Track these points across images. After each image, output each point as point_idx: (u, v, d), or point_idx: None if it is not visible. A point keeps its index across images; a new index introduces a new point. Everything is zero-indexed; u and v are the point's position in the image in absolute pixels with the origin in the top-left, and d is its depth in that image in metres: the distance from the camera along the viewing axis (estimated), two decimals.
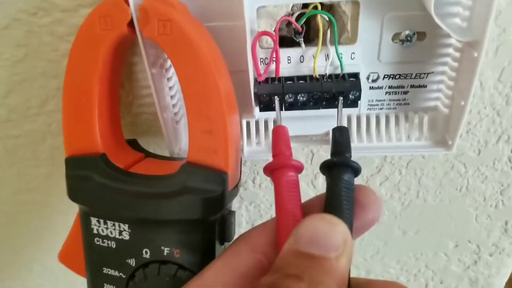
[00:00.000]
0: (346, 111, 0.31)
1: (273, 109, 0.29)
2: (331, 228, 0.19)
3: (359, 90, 0.28)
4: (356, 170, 0.24)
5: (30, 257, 0.41)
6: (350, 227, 0.22)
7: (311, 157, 0.34)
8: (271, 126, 0.31)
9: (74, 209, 0.36)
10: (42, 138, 0.32)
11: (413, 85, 0.30)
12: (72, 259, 0.28)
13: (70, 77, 0.25)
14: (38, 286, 0.44)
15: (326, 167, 0.24)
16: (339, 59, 0.28)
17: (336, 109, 0.29)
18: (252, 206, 0.37)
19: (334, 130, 0.26)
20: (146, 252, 0.26)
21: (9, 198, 0.36)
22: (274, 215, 0.38)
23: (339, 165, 0.24)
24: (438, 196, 0.36)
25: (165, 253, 0.25)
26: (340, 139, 0.25)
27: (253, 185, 0.36)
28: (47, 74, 0.29)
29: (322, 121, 0.31)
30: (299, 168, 0.25)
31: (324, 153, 0.34)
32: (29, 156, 0.34)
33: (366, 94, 0.30)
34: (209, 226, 0.25)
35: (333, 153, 0.25)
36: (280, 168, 0.24)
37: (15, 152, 0.33)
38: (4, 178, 0.35)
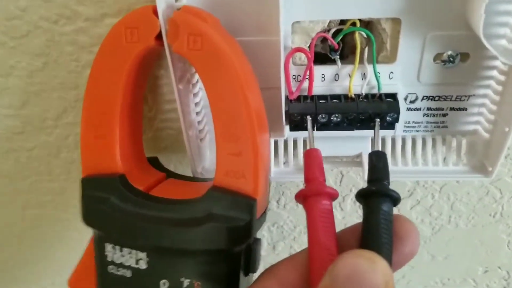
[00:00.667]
0: (381, 132, 0.29)
1: (304, 128, 0.27)
2: (371, 266, 0.17)
3: (398, 112, 0.26)
4: (395, 200, 0.22)
5: (40, 274, 0.40)
6: (390, 263, 0.20)
7: (340, 178, 0.32)
8: (300, 146, 0.29)
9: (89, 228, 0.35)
10: (57, 151, 0.31)
11: (453, 107, 0.28)
12: (83, 286, 0.27)
13: (92, 89, 0.24)
14: None
15: (363, 196, 0.23)
16: (376, 78, 0.26)
17: (370, 131, 0.27)
18: (275, 227, 0.36)
19: (371, 155, 0.24)
20: (164, 284, 0.24)
21: (20, 213, 0.35)
22: (297, 237, 0.37)
23: (378, 194, 0.22)
24: (470, 222, 0.35)
25: (184, 285, 0.24)
26: (378, 164, 0.24)
27: (277, 206, 0.34)
28: (66, 85, 0.28)
29: (354, 142, 0.29)
30: (333, 196, 0.23)
31: (354, 175, 0.32)
32: (43, 169, 0.32)
33: (403, 116, 0.28)
34: (233, 257, 0.23)
35: (370, 180, 0.23)
36: (314, 195, 0.23)
37: (29, 165, 0.32)
38: (16, 191, 0.33)
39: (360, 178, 0.32)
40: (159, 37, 0.22)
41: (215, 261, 0.23)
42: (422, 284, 0.40)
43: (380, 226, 0.21)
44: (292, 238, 0.36)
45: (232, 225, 0.22)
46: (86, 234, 0.35)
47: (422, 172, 0.29)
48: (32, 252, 0.38)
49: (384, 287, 0.17)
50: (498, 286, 0.40)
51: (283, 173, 0.30)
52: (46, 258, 0.38)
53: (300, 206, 0.34)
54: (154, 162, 0.28)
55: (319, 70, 0.27)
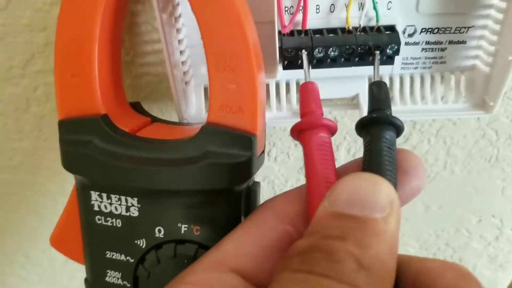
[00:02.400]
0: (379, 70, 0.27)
1: (297, 66, 0.25)
2: (374, 186, 0.16)
3: (398, 44, 0.25)
4: (398, 128, 0.21)
5: (11, 247, 0.36)
6: None
7: None
8: (293, 88, 0.27)
9: (64, 189, 0.32)
10: (26, 105, 0.28)
11: (452, 40, 0.27)
12: (67, 243, 0.24)
13: (65, 21, 0.21)
14: (22, 281, 0.39)
15: (363, 125, 0.21)
16: (375, 8, 0.24)
17: (368, 67, 0.25)
18: (265, 182, 0.34)
19: (371, 85, 0.22)
20: (159, 231, 0.22)
21: None
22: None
23: (380, 121, 0.20)
24: (466, 167, 0.34)
25: (182, 231, 0.21)
26: (379, 94, 0.22)
27: (268, 158, 0.32)
28: (33, 27, 0.25)
29: (349, 82, 0.28)
30: (332, 128, 0.21)
31: (349, 120, 0.30)
32: (10, 127, 0.29)
33: (401, 51, 0.26)
34: (234, 198, 0.21)
35: (370, 111, 0.22)
36: (311, 128, 0.21)
37: None
38: None
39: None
40: None
41: (214, 203, 0.21)
42: (416, 236, 0.39)
43: (382, 153, 0.19)
44: None
45: (232, 162, 0.20)
46: (61, 198, 0.32)
47: (421, 111, 0.28)
48: (1, 224, 0.35)
49: (390, 207, 0.15)
50: (491, 235, 0.39)
51: (275, 118, 0.28)
52: (17, 230, 0.35)
53: (292, 158, 0.33)
54: (137, 107, 0.25)
55: (314, 1, 0.25)
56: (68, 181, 0.31)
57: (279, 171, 0.33)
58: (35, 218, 0.34)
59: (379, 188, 0.16)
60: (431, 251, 0.40)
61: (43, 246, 0.36)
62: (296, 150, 0.32)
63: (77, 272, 0.39)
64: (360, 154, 0.32)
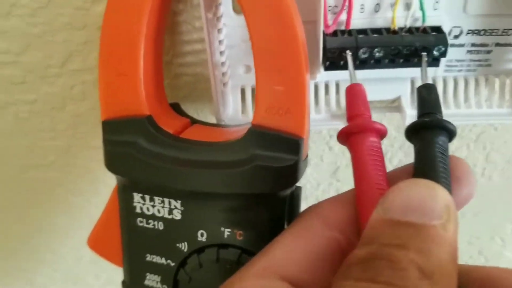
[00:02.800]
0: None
1: (340, 67, 0.25)
2: (430, 192, 0.15)
3: (446, 45, 0.24)
4: (451, 133, 0.20)
5: (40, 245, 0.36)
6: None
7: None
8: (332, 90, 0.27)
9: (96, 189, 0.32)
10: (62, 104, 0.28)
11: (498, 43, 0.26)
12: (106, 245, 0.24)
13: (111, 17, 0.21)
14: (49, 279, 0.39)
15: (414, 130, 0.20)
16: (422, 8, 0.24)
17: (412, 69, 0.25)
18: None
19: (420, 88, 0.22)
20: (201, 235, 0.21)
21: (19, 175, 0.31)
22: (320, 196, 0.34)
23: (432, 126, 0.20)
24: (505, 174, 0.33)
25: (225, 235, 0.21)
26: (429, 97, 0.21)
27: None
28: (72, 25, 0.25)
29: (391, 84, 0.27)
30: (382, 132, 0.21)
31: (387, 123, 0.30)
32: (45, 125, 0.29)
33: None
34: (278, 203, 0.21)
35: (420, 115, 0.21)
36: (360, 132, 0.20)
37: (29, 120, 0.28)
38: (14, 151, 0.30)
39: (393, 128, 0.30)
40: None
41: (259, 207, 0.20)
42: None
43: (436, 160, 0.19)
44: (315, 198, 0.34)
45: (279, 166, 0.20)
46: (93, 198, 0.32)
47: (464, 115, 0.27)
48: (31, 221, 0.34)
49: (447, 214, 0.15)
50: None
51: (314, 120, 0.27)
52: (46, 228, 0.35)
53: (326, 161, 0.32)
54: (176, 108, 0.25)
55: (358, 0, 0.24)
56: (101, 181, 0.31)
57: (311, 175, 0.32)
58: (66, 217, 0.34)
59: (435, 194, 0.15)
60: (462, 259, 0.39)
61: (72, 245, 0.36)
62: (330, 154, 0.32)
63: (103, 272, 0.39)
64: (396, 159, 0.32)
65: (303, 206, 0.33)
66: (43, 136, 0.29)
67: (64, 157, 0.30)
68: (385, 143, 0.31)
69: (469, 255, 0.39)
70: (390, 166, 0.31)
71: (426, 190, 0.15)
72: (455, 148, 0.31)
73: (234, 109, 0.27)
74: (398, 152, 0.31)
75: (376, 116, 0.29)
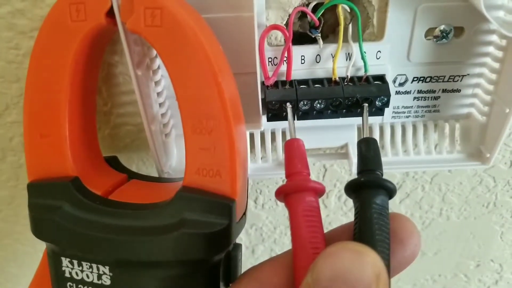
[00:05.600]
0: (369, 119, 0.26)
1: (283, 118, 0.24)
2: (358, 259, 0.15)
3: (388, 95, 0.23)
4: (390, 192, 0.19)
5: None
6: (387, 264, 0.17)
7: (323, 173, 0.29)
8: (279, 138, 0.26)
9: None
10: (2, 155, 0.27)
11: (445, 89, 0.26)
12: None
13: (34, 79, 0.20)
14: None
15: (352, 189, 0.20)
16: (363, 58, 0.23)
17: (356, 118, 0.24)
18: (253, 229, 0.32)
19: (360, 142, 0.21)
20: None
21: None
22: (277, 239, 0.33)
23: (369, 185, 0.19)
24: (462, 214, 0.32)
25: None
26: (368, 153, 0.21)
27: (255, 206, 0.31)
28: (6, 78, 0.24)
29: (338, 131, 0.27)
30: (319, 191, 0.20)
31: (339, 168, 0.29)
32: None
33: (392, 100, 0.25)
34: (212, 267, 0.20)
35: (360, 171, 0.20)
36: (297, 192, 0.20)
37: None
38: None
39: (345, 172, 0.29)
40: (110, 13, 0.19)
41: (190, 273, 0.20)
42: (412, 282, 0.37)
43: (372, 222, 0.18)
44: (273, 241, 0.33)
45: (209, 231, 0.19)
46: (41, 246, 0.31)
47: (414, 162, 0.27)
48: None
49: (376, 283, 0.14)
50: (490, 280, 0.38)
51: (260, 169, 0.26)
52: None
53: (281, 204, 0.32)
54: (113, 162, 0.24)
55: (298, 51, 0.23)
56: None
57: (267, 218, 0.32)
58: (15, 266, 0.33)
59: (363, 260, 0.15)
60: None
61: None
62: None
63: None
64: (350, 202, 0.31)
65: (261, 249, 0.33)
66: None
67: (8, 208, 0.29)
68: (338, 187, 0.30)
69: None
70: (344, 208, 0.30)
71: (354, 256, 0.15)
72: (410, 190, 0.31)
73: (178, 160, 0.26)
74: None
75: (326, 163, 0.28)
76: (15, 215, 0.30)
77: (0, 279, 0.34)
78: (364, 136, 0.22)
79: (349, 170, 0.29)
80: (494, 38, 0.24)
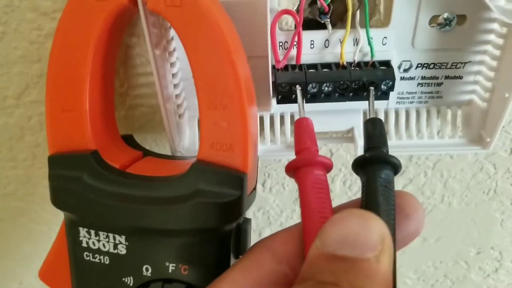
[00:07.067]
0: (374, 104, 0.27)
1: (292, 101, 0.25)
2: (364, 223, 0.16)
3: (393, 80, 0.24)
4: (395, 167, 0.20)
5: (5, 273, 0.36)
6: (392, 233, 0.18)
7: (329, 157, 0.30)
8: (287, 121, 0.27)
9: (58, 218, 0.32)
10: (20, 134, 0.28)
11: (448, 75, 0.27)
12: (55, 277, 0.24)
13: (57, 56, 0.21)
14: None
15: (359, 165, 0.21)
16: (369, 44, 0.24)
17: (362, 102, 0.25)
18: (260, 212, 0.33)
19: (366, 122, 0.22)
20: (146, 269, 0.21)
21: None
22: (284, 222, 0.34)
23: (375, 161, 0.20)
24: (464, 200, 0.33)
25: (170, 270, 0.21)
26: (374, 132, 0.22)
27: (262, 189, 0.32)
28: (27, 58, 0.25)
29: (345, 116, 0.28)
30: (328, 166, 0.21)
31: (344, 153, 0.30)
32: (4, 155, 0.29)
33: (396, 86, 0.26)
34: (223, 237, 0.21)
35: (366, 149, 0.21)
36: (306, 166, 0.21)
37: None
38: None
39: (350, 157, 0.30)
40: None
41: (203, 242, 0.21)
42: (413, 268, 0.38)
43: (378, 194, 0.19)
44: (279, 224, 0.34)
45: (222, 201, 0.20)
46: (55, 226, 0.32)
47: (417, 146, 0.28)
48: None
49: (381, 245, 0.15)
50: (490, 267, 0.38)
51: (269, 150, 0.28)
52: (11, 256, 0.35)
53: (288, 188, 0.33)
54: (129, 140, 0.25)
55: (308, 36, 0.24)
56: None
57: (274, 202, 0.33)
58: (30, 245, 0.34)
59: (369, 224, 0.16)
60: (429, 282, 0.39)
61: (37, 273, 0.36)
62: (291, 181, 0.32)
63: None
64: (356, 186, 0.32)
65: (268, 232, 0.34)
66: (3, 165, 0.29)
67: (25, 187, 0.30)
68: (343, 171, 0.31)
69: (435, 279, 0.39)
70: (349, 193, 0.31)
71: (361, 221, 0.16)
72: (412, 175, 0.32)
73: (191, 140, 0.27)
74: (357, 180, 0.32)
75: (333, 146, 0.29)
76: (31, 194, 0.31)
77: (15, 257, 0.35)
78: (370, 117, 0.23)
79: (355, 154, 0.31)
80: (495, 26, 0.25)
